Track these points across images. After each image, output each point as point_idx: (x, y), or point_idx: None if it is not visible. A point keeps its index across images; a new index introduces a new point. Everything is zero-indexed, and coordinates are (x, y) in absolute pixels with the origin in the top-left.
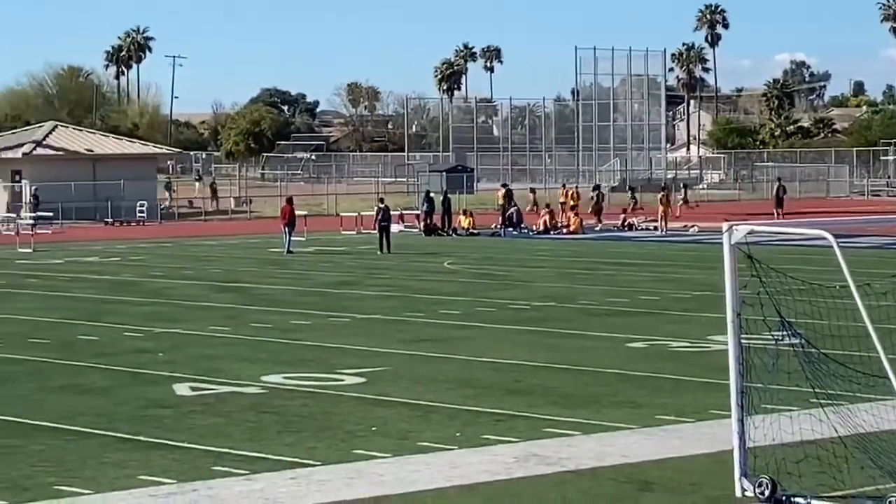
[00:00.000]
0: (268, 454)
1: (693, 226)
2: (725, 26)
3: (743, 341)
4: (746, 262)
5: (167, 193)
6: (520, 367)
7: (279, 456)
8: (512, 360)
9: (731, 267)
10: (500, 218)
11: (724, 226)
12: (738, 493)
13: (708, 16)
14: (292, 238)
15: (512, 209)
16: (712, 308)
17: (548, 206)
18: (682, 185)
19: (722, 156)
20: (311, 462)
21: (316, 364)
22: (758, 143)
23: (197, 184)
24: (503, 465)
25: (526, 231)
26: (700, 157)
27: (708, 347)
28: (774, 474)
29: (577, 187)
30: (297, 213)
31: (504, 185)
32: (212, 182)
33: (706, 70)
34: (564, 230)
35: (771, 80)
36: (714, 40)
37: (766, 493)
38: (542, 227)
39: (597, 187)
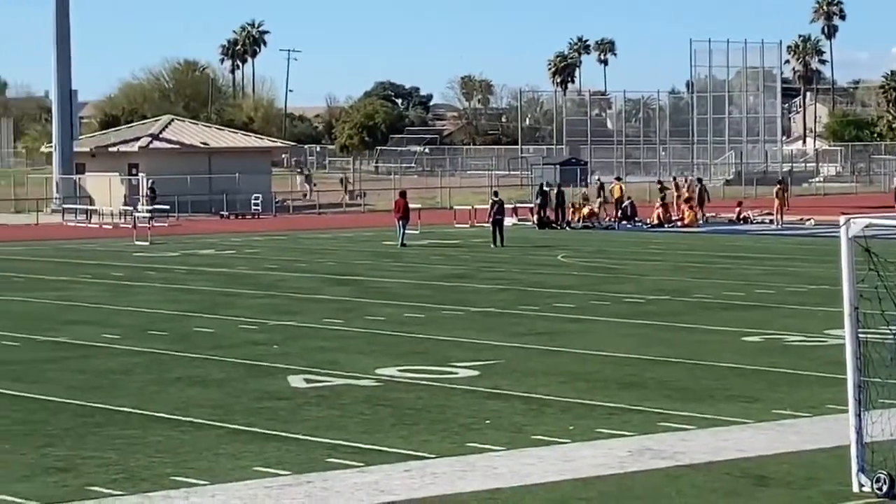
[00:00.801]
0: (382, 446)
1: (809, 219)
2: (842, 17)
3: (860, 335)
4: (864, 256)
5: (307, 186)
6: (634, 361)
7: (393, 448)
8: (626, 353)
9: (848, 260)
10: (615, 211)
11: (842, 219)
12: (856, 489)
13: (825, 7)
14: (406, 231)
15: (626, 202)
16: (829, 302)
17: (662, 199)
18: (697, 179)
19: (838, 148)
20: (425, 455)
21: (430, 357)
22: (875, 135)
23: (298, 178)
24: (617, 458)
25: (640, 224)
26: (816, 149)
27: (824, 342)
28: (893, 470)
29: (691, 180)
30: (410, 206)
31: (618, 179)
32: (343, 177)
33: (822, 62)
34: (679, 223)
35: (889, 73)
36: (831, 32)
37: (884, 488)
38: (656, 221)
39: (699, 180)
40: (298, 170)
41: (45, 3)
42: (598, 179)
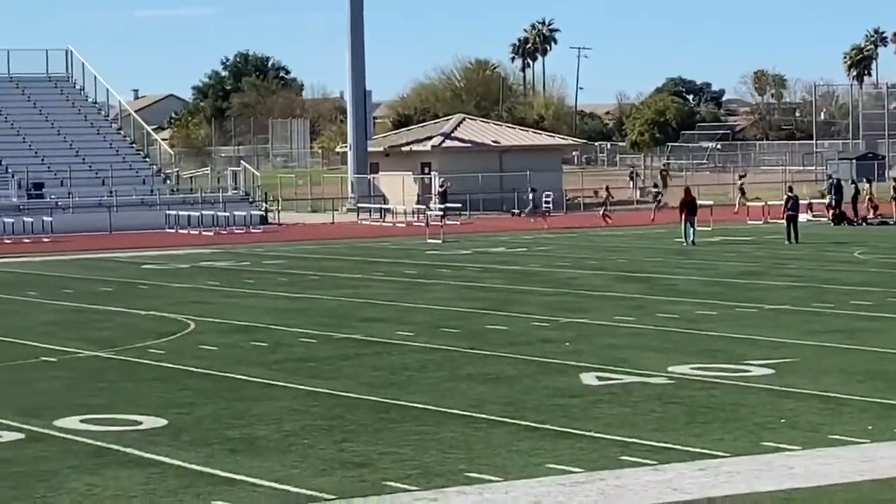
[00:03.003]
0: (675, 444)
1: None
2: None
3: None
4: None
5: (631, 182)
6: None
7: (686, 447)
8: None
9: None
10: None
11: None
12: None
13: None
14: (696, 228)
15: None
16: None
17: None
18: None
19: None
20: (719, 453)
21: (723, 355)
22: None
23: (595, 186)
24: None
25: None
26: None
27: None
28: None
29: None
30: (702, 202)
31: None
32: (662, 169)
33: None
34: None
35: None
36: None
37: None
38: None
39: None
40: (631, 170)
41: (339, 6)
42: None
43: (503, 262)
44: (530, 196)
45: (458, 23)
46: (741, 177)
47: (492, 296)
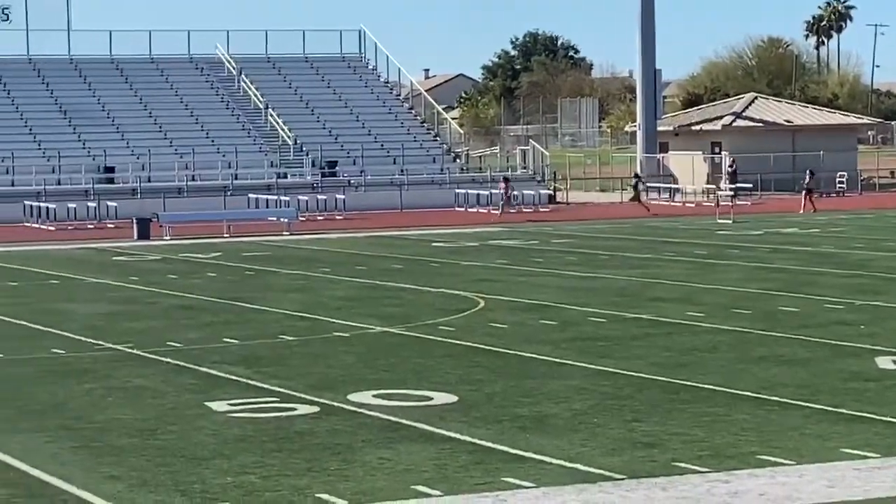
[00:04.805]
0: None
1: None
2: None
3: None
4: None
5: None
6: None
7: None
8: None
9: None
10: None
11: None
12: None
13: None
14: None
15: None
16: None
17: None
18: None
19: None
20: None
21: None
22: None
23: None
24: None
25: None
26: None
27: None
28: None
29: None
30: None
31: None
32: None
33: None
34: None
35: None
36: None
37: None
38: None
39: None
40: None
41: None
42: None
43: (795, 242)
44: (806, 179)
45: (750, 0)
46: None
47: (783, 277)
